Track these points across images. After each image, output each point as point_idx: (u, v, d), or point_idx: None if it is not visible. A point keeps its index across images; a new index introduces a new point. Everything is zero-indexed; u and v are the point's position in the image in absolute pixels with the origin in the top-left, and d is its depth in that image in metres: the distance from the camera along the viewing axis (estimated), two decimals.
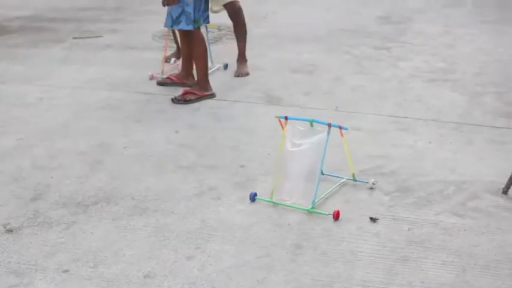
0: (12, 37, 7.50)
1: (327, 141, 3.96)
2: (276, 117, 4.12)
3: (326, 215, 3.89)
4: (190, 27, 5.69)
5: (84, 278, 3.43)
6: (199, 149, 4.85)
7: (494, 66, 6.49)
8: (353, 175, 4.32)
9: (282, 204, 3.99)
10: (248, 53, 6.51)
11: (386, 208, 4.06)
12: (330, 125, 3.99)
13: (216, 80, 6.08)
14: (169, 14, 5.70)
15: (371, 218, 3.96)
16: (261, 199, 4.08)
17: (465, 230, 3.84)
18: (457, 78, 6.18)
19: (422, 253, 3.63)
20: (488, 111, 5.48)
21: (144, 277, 3.44)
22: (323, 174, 4.27)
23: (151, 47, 7.12)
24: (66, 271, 3.49)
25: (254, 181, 4.39)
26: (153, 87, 5.96)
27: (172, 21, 5.69)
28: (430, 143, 4.95)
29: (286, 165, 4.04)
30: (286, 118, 4.07)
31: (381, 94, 5.83)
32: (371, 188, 4.21)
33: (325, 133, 3.98)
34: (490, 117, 5.39)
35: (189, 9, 5.63)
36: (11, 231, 3.88)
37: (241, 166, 4.60)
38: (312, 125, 4.05)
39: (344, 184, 4.29)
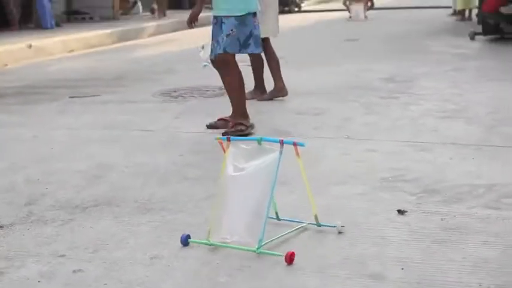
0: (8, 99, 7.31)
1: (278, 163, 3.12)
2: (215, 139, 3.36)
3: (277, 255, 2.98)
4: (260, 50, 5.59)
5: (83, 260, 3.06)
6: (205, 167, 4.52)
7: (507, 107, 6.26)
8: (315, 217, 3.34)
9: (221, 246, 3.12)
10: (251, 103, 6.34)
11: (414, 205, 3.73)
12: (282, 142, 3.16)
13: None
14: (236, 38, 5.20)
15: (399, 211, 3.62)
16: (195, 242, 3.16)
17: (503, 219, 3.50)
18: (471, 115, 5.93)
19: (460, 236, 3.29)
20: (507, 138, 5.20)
21: (151, 258, 3.08)
22: (278, 220, 3.42)
23: (152, 101, 6.89)
24: (62, 256, 3.12)
25: None
26: (155, 125, 5.68)
27: (240, 46, 5.30)
28: (451, 159, 4.65)
29: (226, 195, 3.17)
30: (228, 139, 3.27)
31: (394, 127, 5.57)
32: (340, 233, 3.30)
33: (277, 153, 3.14)
34: (510, 141, 5.11)
35: (258, 32, 5.36)
36: (1, 227, 3.51)
37: None
38: (260, 143, 3.20)
39: (303, 230, 3.38)
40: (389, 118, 5.90)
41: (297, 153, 3.22)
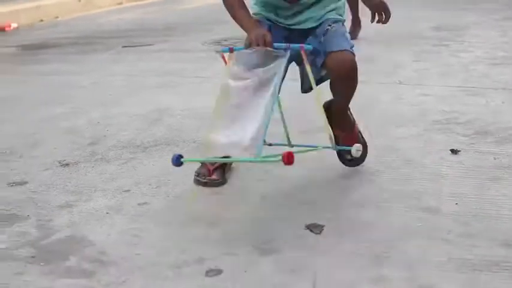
0: (64, 49, 7.46)
1: (284, 68, 2.87)
2: (217, 52, 3.16)
3: (275, 161, 2.64)
4: None
5: (147, 195, 3.19)
6: None
7: None
8: (330, 138, 3.14)
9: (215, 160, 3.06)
10: None
11: (467, 145, 3.79)
12: (289, 47, 2.87)
13: None
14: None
15: (452, 150, 3.68)
16: (188, 160, 2.96)
17: None
18: None
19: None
20: None
21: (212, 194, 3.19)
22: (291, 146, 3.23)
23: (203, 49, 6.99)
24: (127, 191, 3.25)
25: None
26: (208, 72, 5.77)
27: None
28: (503, 102, 4.67)
29: (226, 108, 2.93)
30: (231, 50, 2.96)
31: (446, 73, 5.59)
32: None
33: (283, 59, 2.84)
34: None
35: None
36: (67, 165, 3.66)
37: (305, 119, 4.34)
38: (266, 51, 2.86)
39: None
40: (441, 64, 5.91)
41: (304, 56, 2.93)
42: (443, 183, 3.24)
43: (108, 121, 4.46)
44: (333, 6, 3.25)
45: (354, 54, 3.12)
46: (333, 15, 3.23)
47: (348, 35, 3.23)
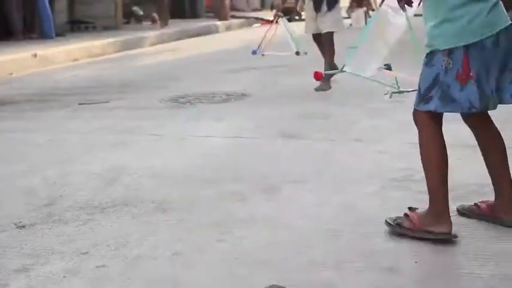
0: (19, 106, 7.42)
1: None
2: None
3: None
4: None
5: (105, 257, 3.16)
6: (216, 169, 4.62)
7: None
8: None
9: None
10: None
11: (425, 203, 3.82)
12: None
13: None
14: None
15: (410, 208, 3.71)
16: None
17: None
18: None
19: (471, 231, 3.39)
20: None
21: (172, 255, 3.17)
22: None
23: (159, 107, 7.00)
24: (85, 253, 3.21)
25: (279, 188, 4.15)
26: (165, 130, 5.76)
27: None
28: (459, 159, 4.74)
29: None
30: None
31: (401, 129, 5.66)
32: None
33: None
34: None
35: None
36: (23, 226, 3.61)
37: (263, 178, 4.36)
38: None
39: None
40: (396, 121, 5.99)
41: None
42: (401, 241, 3.27)
43: (64, 180, 4.42)
44: None
45: None
46: None
47: None
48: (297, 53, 7.98)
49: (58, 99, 7.76)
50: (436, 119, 3.44)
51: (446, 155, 3.49)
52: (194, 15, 19.87)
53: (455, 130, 5.53)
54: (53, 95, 8.11)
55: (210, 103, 7.11)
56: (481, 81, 3.19)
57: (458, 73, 3.18)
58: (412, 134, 5.38)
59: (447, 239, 3.23)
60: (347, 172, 4.48)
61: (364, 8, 17.35)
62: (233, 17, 19.70)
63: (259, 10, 23.46)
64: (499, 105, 3.38)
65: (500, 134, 3.54)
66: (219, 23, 18.14)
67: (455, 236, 3.25)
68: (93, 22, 16.17)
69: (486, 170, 4.28)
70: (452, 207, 3.71)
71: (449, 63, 3.18)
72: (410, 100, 6.72)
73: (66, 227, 3.57)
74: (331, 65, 7.90)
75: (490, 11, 3.15)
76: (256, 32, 16.14)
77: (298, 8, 21.47)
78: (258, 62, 9.81)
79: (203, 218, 3.65)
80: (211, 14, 20.12)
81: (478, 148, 4.69)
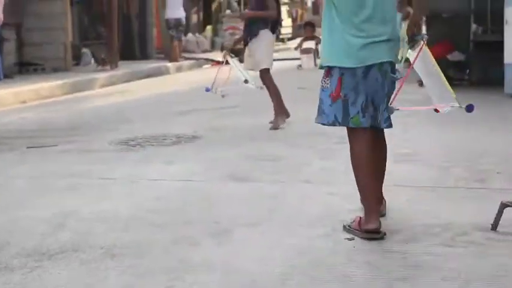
0: None
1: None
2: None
3: None
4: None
5: None
6: (166, 213, 4.59)
7: (458, 149, 6.46)
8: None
9: None
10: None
11: (376, 244, 3.85)
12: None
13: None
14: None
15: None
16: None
17: (459, 256, 3.65)
18: (423, 158, 6.12)
19: (421, 273, 3.41)
20: (460, 179, 5.38)
21: None
22: None
23: (109, 150, 6.94)
24: None
25: (231, 232, 4.14)
26: (115, 173, 5.71)
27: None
28: (407, 200, 4.80)
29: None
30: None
31: (350, 171, 5.68)
32: None
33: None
34: (463, 182, 5.29)
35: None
36: None
37: (215, 222, 4.35)
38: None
39: None
40: (345, 162, 6.01)
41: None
42: (352, 285, 3.28)
43: (11, 226, 4.35)
44: None
45: None
46: None
47: None
48: (245, 81, 8.00)
49: (6, 142, 7.65)
50: (357, 132, 4.05)
51: (373, 165, 4.10)
52: (144, 56, 19.86)
53: (406, 171, 5.63)
54: (0, 138, 8.00)
55: (160, 146, 7.08)
56: (348, 102, 3.93)
57: (332, 92, 3.95)
58: None
59: (375, 234, 3.86)
60: (298, 214, 4.49)
61: (313, 46, 17.49)
62: (184, 58, 19.74)
63: (210, 51, 23.53)
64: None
65: (385, 158, 4.33)
66: (169, 64, 18.15)
67: (384, 234, 3.90)
68: (42, 64, 16.04)
69: (436, 211, 4.36)
70: (404, 248, 3.75)
71: (327, 83, 3.98)
72: None
73: (13, 274, 3.50)
74: (279, 105, 7.98)
75: (366, 48, 3.90)
76: (207, 73, 16.19)
77: None
78: (209, 103, 9.84)
79: (154, 263, 3.61)
80: (162, 56, 20.14)
81: (428, 189, 4.78)
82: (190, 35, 23.10)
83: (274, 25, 8.15)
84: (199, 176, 5.65)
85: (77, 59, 17.64)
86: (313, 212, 4.52)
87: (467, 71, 12.23)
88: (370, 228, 3.89)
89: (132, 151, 6.85)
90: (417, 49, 3.97)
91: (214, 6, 31.38)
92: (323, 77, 4.03)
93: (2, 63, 13.93)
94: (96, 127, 8.57)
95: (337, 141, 6.97)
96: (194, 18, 25.62)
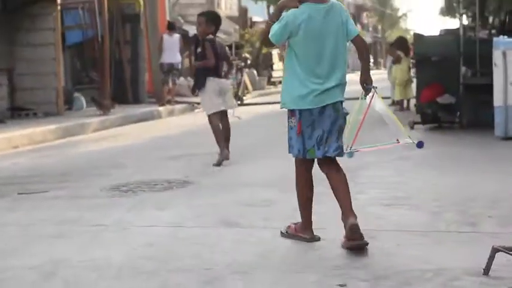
0: None
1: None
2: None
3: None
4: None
5: None
6: (159, 260, 4.58)
7: (449, 193, 6.48)
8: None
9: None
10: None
11: None
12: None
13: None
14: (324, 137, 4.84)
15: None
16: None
17: None
18: (415, 202, 6.13)
19: None
20: (451, 222, 5.39)
21: None
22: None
23: (101, 196, 6.93)
24: None
25: (223, 279, 4.13)
26: (106, 220, 5.70)
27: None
28: (398, 245, 4.80)
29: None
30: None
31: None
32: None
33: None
34: (455, 226, 5.30)
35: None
36: None
37: (207, 269, 4.34)
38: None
39: None
40: (335, 207, 6.03)
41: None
42: None
43: (2, 274, 4.33)
44: None
45: None
46: None
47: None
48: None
49: None
50: (303, 162, 4.94)
51: (311, 187, 5.12)
52: (136, 101, 19.91)
53: (397, 215, 5.63)
54: None
55: (152, 191, 7.08)
56: (305, 137, 4.80)
57: (296, 129, 4.80)
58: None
59: (310, 241, 4.91)
60: (290, 260, 4.49)
61: None
62: (175, 102, 19.81)
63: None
64: None
65: (343, 177, 5.03)
66: (161, 108, 18.21)
67: (317, 239, 4.94)
68: (34, 109, 16.08)
69: (428, 255, 4.37)
70: None
71: (293, 123, 4.84)
72: (353, 186, 6.84)
73: None
74: (221, 150, 8.59)
75: (323, 92, 4.75)
76: (198, 117, 16.26)
77: (239, 93, 21.82)
78: (200, 148, 9.86)
79: None
80: (154, 100, 20.21)
81: (419, 233, 4.80)
82: (182, 79, 23.20)
83: (216, 70, 8.78)
84: (190, 222, 5.65)
85: (69, 103, 17.69)
86: (305, 258, 4.52)
87: (458, 113, 12.30)
88: (306, 236, 4.96)
89: (123, 197, 6.84)
90: (369, 97, 4.81)
91: None
92: (288, 117, 4.88)
93: None
94: (88, 172, 8.57)
95: (328, 185, 6.99)
96: (186, 62, 25.75)
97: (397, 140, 4.94)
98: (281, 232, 5.11)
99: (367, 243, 4.60)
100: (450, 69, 12.04)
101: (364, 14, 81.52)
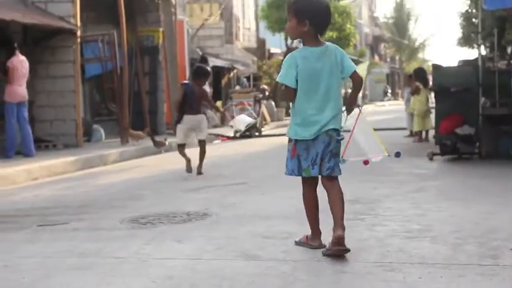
0: None
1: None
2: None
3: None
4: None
5: None
6: None
7: (469, 225, 6.44)
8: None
9: None
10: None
11: None
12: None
13: None
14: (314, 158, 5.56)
15: None
16: None
17: None
18: (435, 235, 6.09)
19: None
20: (472, 255, 5.35)
21: None
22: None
23: (120, 228, 6.94)
24: None
25: None
26: (126, 252, 5.69)
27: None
28: (420, 278, 4.76)
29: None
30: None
31: (362, 248, 5.68)
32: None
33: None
34: (476, 258, 5.26)
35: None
36: None
37: None
38: None
39: None
40: (357, 239, 6.01)
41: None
42: None
43: None
44: None
45: None
46: None
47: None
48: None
49: (16, 220, 7.69)
50: (307, 180, 5.68)
51: (315, 202, 5.74)
52: (155, 132, 20.03)
53: (418, 247, 5.60)
54: (11, 216, 8.04)
55: (171, 223, 7.08)
56: (301, 159, 5.58)
57: (291, 152, 5.61)
58: (375, 253, 5.43)
59: (319, 248, 5.59)
60: None
61: None
62: None
63: (220, 127, 23.72)
64: None
65: (340, 194, 5.58)
66: None
67: (323, 247, 5.57)
68: (53, 140, 16.20)
69: None
70: None
71: (289, 146, 5.63)
72: (372, 218, 6.82)
73: None
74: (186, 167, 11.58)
75: (317, 122, 5.47)
76: (216, 148, 16.29)
77: (257, 124, 21.86)
78: (219, 180, 9.87)
79: None
80: (172, 131, 20.31)
81: (440, 266, 4.77)
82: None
83: (190, 108, 11.29)
84: (209, 255, 5.64)
85: (88, 135, 17.82)
86: None
87: (477, 144, 12.25)
88: (315, 244, 5.66)
89: (142, 229, 6.85)
90: (355, 115, 5.60)
91: (224, 81, 31.80)
92: (288, 142, 5.67)
93: (31, 140, 14.09)
94: (108, 204, 8.60)
95: (350, 218, 6.96)
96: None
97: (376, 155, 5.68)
98: (295, 241, 5.86)
99: (347, 250, 5.31)
100: (469, 100, 12.03)
101: (382, 45, 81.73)
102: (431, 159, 12.14)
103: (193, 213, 7.60)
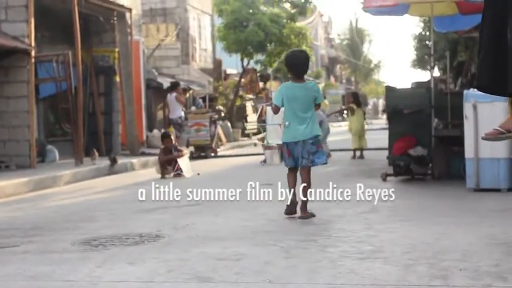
0: None
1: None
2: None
3: None
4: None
5: None
6: None
7: (421, 246, 6.49)
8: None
9: None
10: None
11: None
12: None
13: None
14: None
15: None
16: None
17: None
18: (387, 255, 6.13)
19: None
20: (423, 276, 5.39)
21: None
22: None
23: (72, 250, 6.86)
24: None
25: None
26: (77, 275, 5.62)
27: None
28: None
29: None
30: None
31: (314, 270, 5.69)
32: None
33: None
34: (426, 279, 5.30)
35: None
36: None
37: None
38: None
39: None
40: (309, 260, 6.02)
41: None
42: None
43: None
44: None
45: None
46: None
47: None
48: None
49: None
50: (291, 169, 8.55)
51: (294, 182, 8.48)
52: (110, 152, 19.88)
53: (369, 269, 5.61)
54: None
55: (123, 245, 7.02)
56: (294, 156, 8.43)
57: (286, 152, 8.53)
58: (327, 274, 5.44)
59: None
60: None
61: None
62: (149, 154, 19.79)
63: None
64: None
65: (309, 175, 8.36)
66: (134, 160, 18.17)
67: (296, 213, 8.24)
68: (6, 161, 15.98)
69: None
70: None
71: (284, 148, 8.60)
72: (324, 239, 6.85)
73: None
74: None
75: (297, 132, 8.39)
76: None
77: (213, 145, 21.83)
78: (173, 202, 9.80)
79: None
80: (127, 152, 20.18)
81: (389, 287, 4.78)
82: (155, 131, 23.24)
83: None
84: (161, 277, 5.60)
85: (42, 155, 17.62)
86: None
87: (430, 165, 12.39)
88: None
89: (94, 251, 6.78)
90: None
91: None
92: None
93: None
94: (60, 226, 8.50)
95: (302, 239, 7.00)
96: (160, 114, 25.83)
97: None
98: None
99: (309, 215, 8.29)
100: (422, 122, 12.17)
101: (338, 66, 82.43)
102: (384, 179, 12.23)
103: (145, 234, 7.55)
